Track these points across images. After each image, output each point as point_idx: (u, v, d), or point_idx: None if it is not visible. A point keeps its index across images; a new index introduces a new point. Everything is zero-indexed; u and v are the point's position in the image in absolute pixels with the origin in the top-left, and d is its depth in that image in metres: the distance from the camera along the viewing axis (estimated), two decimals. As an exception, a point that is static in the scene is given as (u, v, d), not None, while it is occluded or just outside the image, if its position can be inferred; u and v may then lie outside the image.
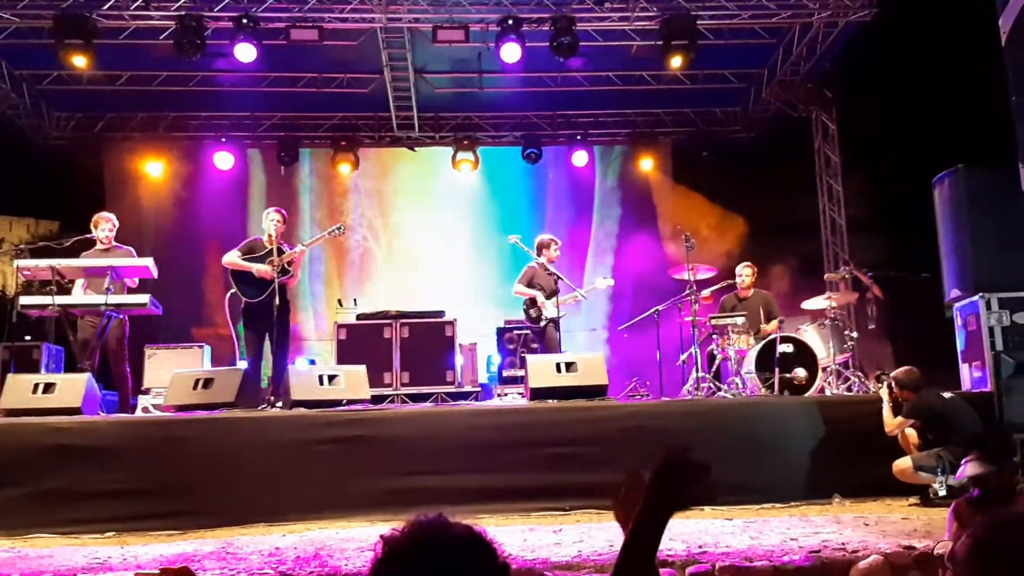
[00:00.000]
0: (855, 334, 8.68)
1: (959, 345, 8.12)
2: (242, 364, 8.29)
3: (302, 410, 6.58)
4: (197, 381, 6.91)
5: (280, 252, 7.76)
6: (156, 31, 10.32)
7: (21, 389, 6.55)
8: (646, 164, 13.36)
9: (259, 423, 6.37)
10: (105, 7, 9.83)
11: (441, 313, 10.36)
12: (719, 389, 8.28)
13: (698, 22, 10.19)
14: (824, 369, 8.21)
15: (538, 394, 6.96)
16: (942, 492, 5.74)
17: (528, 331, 9.45)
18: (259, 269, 7.76)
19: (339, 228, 8.38)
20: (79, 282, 7.80)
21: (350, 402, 6.78)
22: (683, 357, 8.97)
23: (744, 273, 9.39)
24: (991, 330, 7.48)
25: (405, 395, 9.58)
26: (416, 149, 13.65)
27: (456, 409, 7.52)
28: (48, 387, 6.57)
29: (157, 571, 2.20)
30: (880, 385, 6.65)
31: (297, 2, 10.10)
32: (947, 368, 8.09)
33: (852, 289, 9.58)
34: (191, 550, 4.98)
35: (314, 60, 11.56)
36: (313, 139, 13.50)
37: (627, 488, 2.00)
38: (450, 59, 11.66)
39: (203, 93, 12.30)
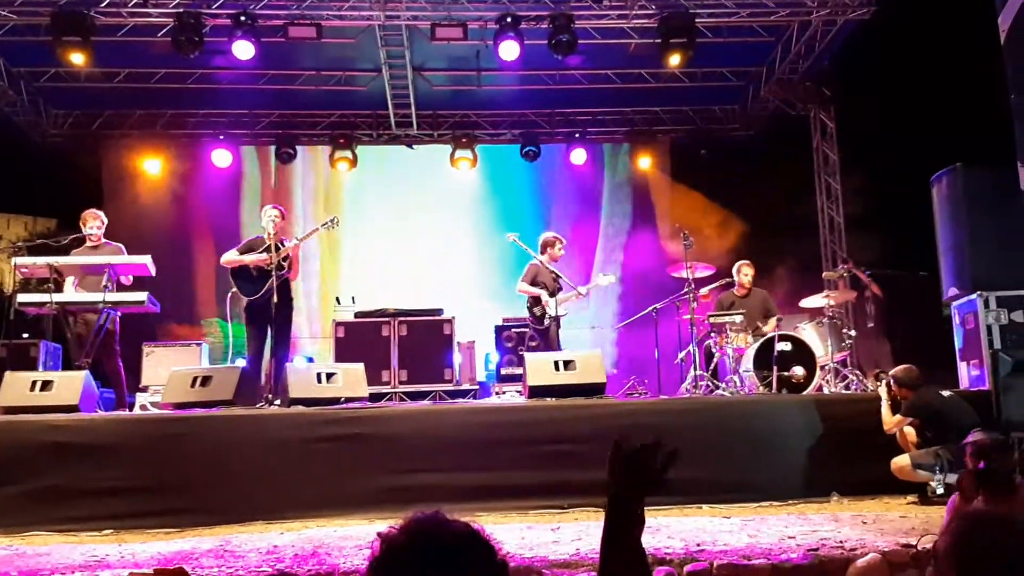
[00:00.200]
0: (853, 332, 8.68)
1: (957, 343, 8.12)
2: (240, 362, 8.28)
3: (300, 408, 6.57)
4: (195, 379, 6.90)
5: (279, 248, 7.76)
6: (154, 28, 10.30)
7: (19, 386, 6.54)
8: (644, 162, 13.36)
9: (257, 421, 6.37)
10: (103, 4, 9.82)
11: (439, 311, 10.35)
12: (717, 387, 8.28)
13: (697, 20, 10.20)
14: (822, 367, 8.21)
15: (536, 392, 6.95)
16: (940, 490, 5.74)
17: (529, 329, 9.43)
18: (254, 259, 7.77)
19: (333, 220, 8.35)
20: (69, 279, 7.78)
21: (348, 400, 6.77)
22: (681, 355, 8.97)
23: (743, 272, 9.39)
24: (989, 328, 7.49)
25: (403, 393, 9.56)
26: (414, 147, 13.64)
27: (454, 407, 7.51)
28: (46, 384, 6.56)
29: (151, 571, 2.19)
30: (879, 383, 6.66)
31: (295, -1, 10.10)
32: (945, 367, 8.10)
33: (851, 287, 9.58)
34: (189, 548, 4.98)
35: (312, 58, 11.55)
36: (311, 137, 13.50)
37: (612, 452, 1.99)
38: (448, 57, 11.65)
39: (201, 90, 12.28)
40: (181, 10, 9.83)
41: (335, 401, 6.72)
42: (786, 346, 8.04)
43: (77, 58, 9.90)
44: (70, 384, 6.59)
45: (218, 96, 12.56)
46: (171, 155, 12.91)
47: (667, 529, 5.12)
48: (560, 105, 13.24)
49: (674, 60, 10.36)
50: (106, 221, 8.22)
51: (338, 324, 9.90)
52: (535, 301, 8.73)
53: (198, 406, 6.61)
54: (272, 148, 13.18)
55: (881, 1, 10.22)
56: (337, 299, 11.48)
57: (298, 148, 13.23)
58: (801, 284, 9.78)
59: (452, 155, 13.06)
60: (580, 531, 5.13)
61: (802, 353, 8.09)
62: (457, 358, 10.15)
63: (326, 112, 13.24)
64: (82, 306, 7.56)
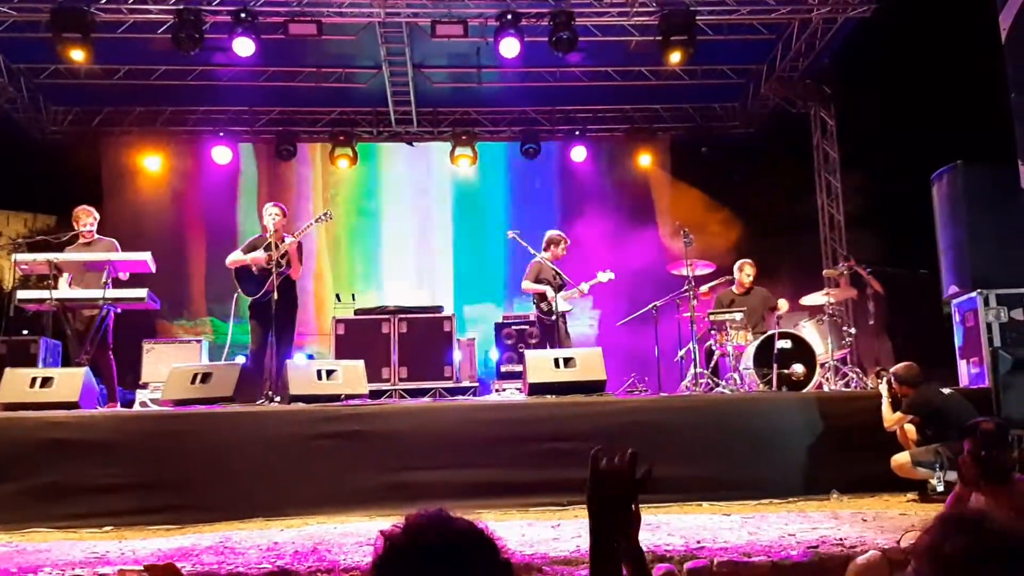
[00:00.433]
0: (853, 330, 8.69)
1: (957, 341, 8.12)
2: (240, 359, 8.28)
3: (300, 405, 6.57)
4: (195, 375, 6.90)
5: (278, 246, 7.76)
6: (154, 25, 10.29)
7: (18, 383, 6.54)
8: (645, 160, 13.36)
9: (257, 418, 6.37)
10: (103, 1, 9.80)
11: (439, 308, 10.36)
12: (717, 385, 8.28)
13: (697, 17, 10.19)
14: (822, 365, 8.21)
15: (536, 389, 6.95)
16: (940, 488, 5.74)
17: (531, 327, 9.44)
18: (253, 258, 7.78)
19: (327, 214, 8.36)
20: (63, 277, 7.77)
21: (348, 397, 6.77)
22: (681, 353, 8.97)
23: (744, 271, 9.39)
24: (989, 326, 7.49)
25: (403, 390, 9.57)
26: (414, 144, 13.64)
27: (454, 404, 7.51)
28: (46, 381, 6.56)
29: (141, 568, 2.19)
30: (879, 381, 6.65)
31: (295, -4, 10.10)
32: (945, 364, 8.10)
33: (852, 285, 9.57)
34: (189, 544, 4.98)
35: (312, 54, 11.55)
36: (311, 134, 13.50)
37: (590, 476, 2.02)
38: (449, 54, 11.64)
39: (201, 87, 12.27)
40: (181, 6, 9.81)
41: (335, 398, 6.71)
42: (786, 344, 8.04)
43: (77, 55, 9.89)
44: (70, 381, 6.59)
45: (218, 93, 12.55)
46: (171, 152, 12.91)
47: (667, 526, 5.12)
48: (560, 102, 13.23)
49: (674, 57, 10.36)
50: (98, 217, 8.22)
51: (338, 321, 9.91)
52: (541, 297, 8.74)
53: (198, 403, 6.60)
54: (272, 145, 13.16)
55: (882, -1, 10.21)
56: (337, 296, 11.49)
57: (298, 145, 13.22)
58: (801, 282, 9.78)
59: (452, 152, 13.05)
60: (580, 528, 5.13)
61: (802, 351, 8.09)
62: (457, 355, 10.15)
63: (326, 109, 13.24)
64: (82, 303, 7.56)
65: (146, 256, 7.66)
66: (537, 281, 8.79)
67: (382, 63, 11.51)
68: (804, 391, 7.77)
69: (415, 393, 9.35)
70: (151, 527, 5.65)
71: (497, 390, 9.82)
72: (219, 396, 6.67)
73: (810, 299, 9.03)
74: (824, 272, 10.45)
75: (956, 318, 8.16)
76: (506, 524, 5.37)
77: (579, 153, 13.16)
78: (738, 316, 8.59)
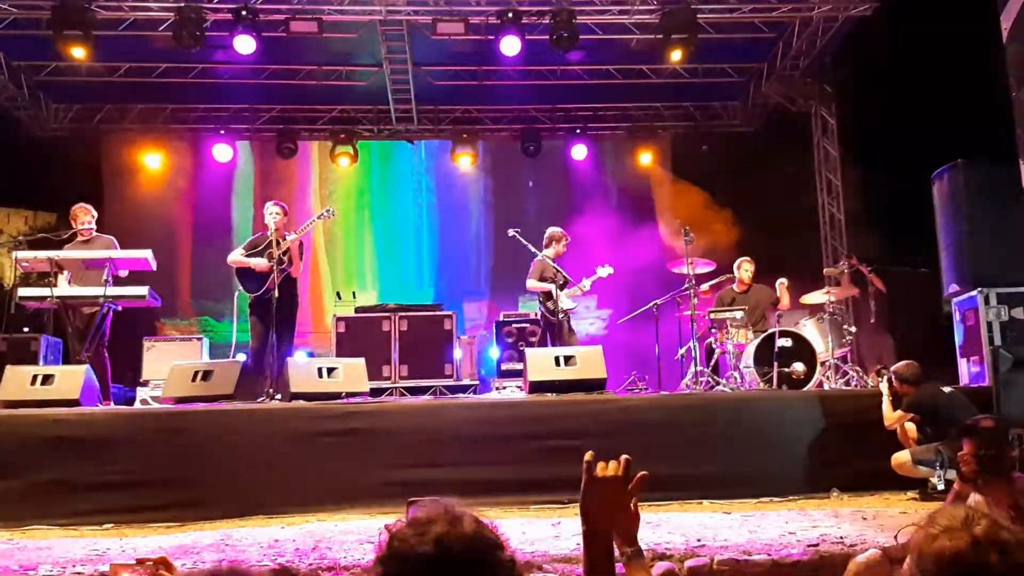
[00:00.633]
0: (854, 328, 8.69)
1: (957, 340, 8.13)
2: (240, 357, 8.28)
3: (301, 403, 6.57)
4: (196, 373, 6.90)
5: (279, 245, 7.76)
6: (155, 22, 10.30)
7: (19, 381, 6.53)
8: (645, 158, 13.36)
9: (258, 415, 6.36)
10: (104, -2, 9.82)
11: (440, 306, 10.37)
12: (718, 383, 8.28)
13: (698, 16, 10.19)
14: (822, 363, 8.21)
15: (537, 387, 6.95)
16: (941, 486, 5.73)
17: (531, 326, 9.43)
18: (256, 264, 7.78)
19: (328, 211, 8.33)
20: (62, 275, 7.76)
21: (349, 395, 6.77)
22: (682, 351, 8.97)
23: (743, 268, 9.39)
24: (989, 325, 7.49)
25: (403, 388, 9.58)
26: (415, 142, 13.64)
27: (455, 402, 7.51)
28: (46, 379, 6.56)
29: (132, 561, 2.18)
30: (880, 379, 6.65)
31: (296, -6, 10.10)
32: (946, 363, 8.10)
33: (853, 283, 9.56)
34: (190, 542, 4.98)
35: (313, 52, 11.54)
36: (312, 131, 13.50)
37: (584, 483, 2.02)
38: (449, 52, 11.64)
39: (202, 85, 12.28)
40: (182, 4, 9.82)
41: (336, 396, 6.72)
42: (786, 342, 8.03)
43: (78, 52, 9.90)
44: (71, 378, 6.59)
45: (219, 91, 12.56)
46: (172, 150, 12.93)
47: (667, 524, 5.12)
48: (561, 100, 13.24)
49: (675, 56, 10.38)
50: (96, 215, 8.21)
51: (339, 319, 9.91)
52: (547, 296, 8.73)
53: (199, 400, 6.61)
54: (269, 143, 13.16)
55: (882, -3, 10.22)
56: (338, 294, 11.51)
57: (299, 143, 13.22)
58: (801, 280, 9.78)
59: (453, 150, 13.05)
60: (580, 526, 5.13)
61: (802, 349, 8.08)
62: (457, 353, 10.16)
63: (327, 107, 13.25)
64: (83, 300, 7.56)
65: (147, 254, 7.66)
66: (541, 279, 8.78)
67: (383, 61, 11.51)
68: (804, 389, 7.77)
69: (416, 391, 9.35)
70: (152, 524, 5.65)
71: (498, 388, 9.83)
72: (220, 394, 6.67)
73: (811, 297, 9.03)
74: (824, 271, 10.45)
75: (956, 316, 8.16)
76: (507, 522, 5.36)
77: (580, 151, 13.17)
78: (738, 314, 8.59)
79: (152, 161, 12.77)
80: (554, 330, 8.68)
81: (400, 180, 13.69)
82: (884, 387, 6.43)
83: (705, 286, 9.09)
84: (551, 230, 9.11)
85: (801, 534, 4.69)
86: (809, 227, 12.65)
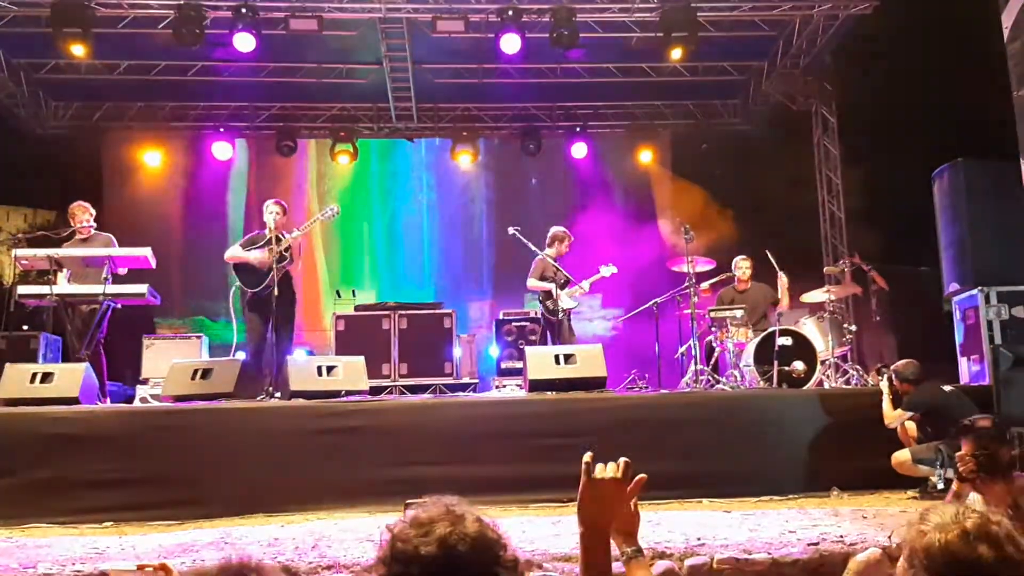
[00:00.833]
0: (854, 327, 8.69)
1: (958, 338, 8.13)
2: (240, 355, 8.27)
3: (301, 401, 6.57)
4: (196, 371, 6.89)
5: (278, 240, 7.74)
6: (155, 20, 10.29)
7: (19, 378, 6.53)
8: (645, 156, 13.35)
9: (258, 414, 6.36)
10: (103, -5, 9.81)
11: (439, 304, 10.37)
12: (718, 382, 8.28)
13: (698, 14, 10.18)
14: (823, 362, 8.21)
15: (537, 386, 6.94)
16: (941, 485, 5.73)
17: (531, 324, 9.43)
18: (256, 257, 7.75)
19: (332, 210, 8.29)
20: (62, 273, 7.75)
21: (349, 393, 6.76)
22: (682, 350, 8.97)
23: (742, 266, 9.38)
24: (990, 324, 7.50)
25: (403, 386, 9.58)
26: (415, 140, 13.63)
27: (455, 400, 7.51)
28: (46, 376, 6.55)
29: (133, 567, 2.18)
30: (880, 378, 6.65)
31: (296, -8, 10.08)
32: (946, 361, 8.10)
33: (855, 281, 9.55)
34: (190, 540, 4.98)
35: (313, 50, 11.53)
36: (312, 129, 13.49)
37: (583, 484, 2.02)
38: (450, 50, 11.63)
39: (202, 83, 12.27)
40: (182, 2, 9.81)
41: (335, 394, 6.71)
42: (787, 341, 8.03)
43: (78, 50, 9.89)
44: (70, 376, 6.59)
45: (219, 88, 12.55)
46: (171, 148, 12.92)
47: (667, 523, 5.12)
48: (561, 99, 13.24)
49: (675, 54, 10.37)
50: (95, 213, 8.20)
51: (338, 317, 9.91)
52: (547, 295, 8.72)
53: (199, 398, 6.60)
54: (268, 141, 13.15)
55: (882, -4, 10.21)
56: (337, 292, 11.49)
57: (298, 141, 13.20)
58: (801, 279, 9.78)
59: (453, 148, 13.05)
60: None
61: (803, 348, 8.07)
62: (457, 352, 10.16)
63: (327, 105, 13.24)
64: (82, 298, 7.55)
65: (146, 251, 7.65)
66: (542, 279, 8.77)
67: (383, 59, 11.50)
68: (805, 388, 7.77)
69: (415, 389, 9.36)
70: (151, 523, 5.64)
71: (497, 386, 9.82)
72: (220, 392, 6.67)
73: (811, 296, 9.03)
74: (825, 269, 10.45)
75: (957, 315, 8.16)
76: (506, 520, 5.32)
77: (579, 149, 13.16)
78: (738, 313, 8.59)
79: (152, 159, 12.76)
80: (554, 329, 8.68)
81: (400, 178, 13.68)
82: (884, 386, 6.43)
83: (705, 284, 9.09)
84: (554, 229, 9.09)
85: (801, 533, 4.69)
86: (809, 225, 12.65)
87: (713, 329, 8.69)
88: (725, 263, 9.47)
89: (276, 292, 7.50)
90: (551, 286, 8.66)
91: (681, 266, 8.85)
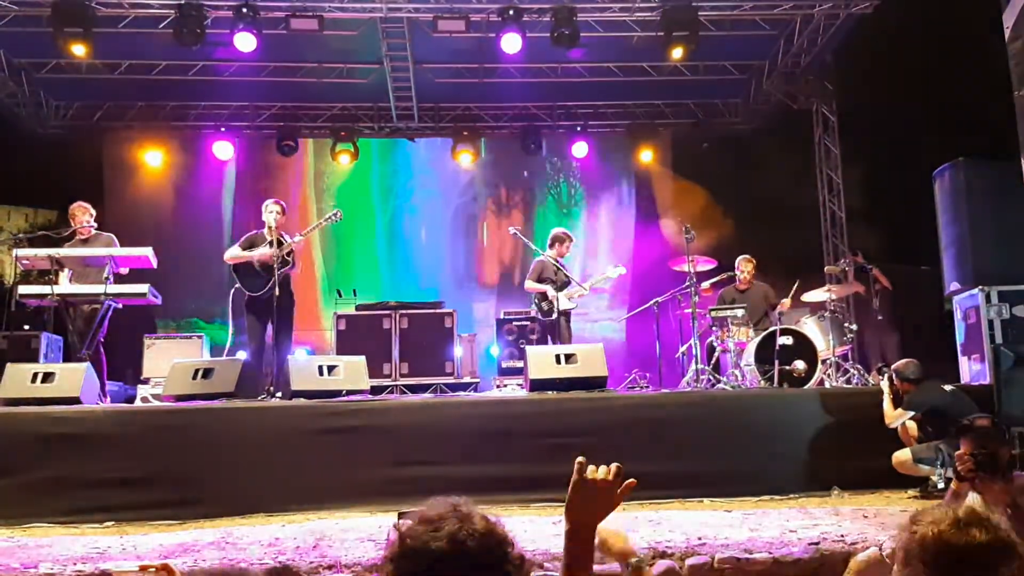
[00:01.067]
0: (855, 326, 8.69)
1: (958, 338, 8.12)
2: (241, 355, 8.28)
3: (302, 400, 6.57)
4: (197, 371, 6.90)
5: (280, 243, 7.74)
6: (156, 20, 10.28)
7: (20, 378, 6.54)
8: (646, 156, 13.34)
9: (259, 413, 6.36)
10: (104, -5, 9.80)
11: (440, 304, 10.37)
12: (718, 381, 8.28)
13: (699, 13, 10.17)
14: (823, 361, 8.20)
15: (538, 385, 6.95)
16: (941, 484, 5.73)
17: (531, 324, 9.43)
18: (259, 254, 7.74)
19: (335, 214, 8.28)
20: (63, 273, 7.75)
21: (349, 392, 6.77)
22: (682, 349, 8.97)
23: (743, 267, 9.38)
24: (991, 323, 7.49)
25: (404, 386, 9.58)
26: (416, 140, 13.63)
27: (456, 400, 7.52)
28: (47, 376, 6.56)
29: (135, 568, 2.19)
30: (881, 377, 6.65)
31: (297, -9, 10.07)
32: (947, 361, 8.10)
33: (858, 280, 9.54)
34: (191, 540, 4.98)
35: (314, 50, 11.52)
36: (313, 129, 13.49)
37: (573, 483, 2.05)
38: (450, 50, 11.62)
39: (202, 83, 12.26)
40: (183, 1, 9.80)
41: (336, 394, 6.72)
42: (787, 340, 8.03)
43: (78, 49, 9.87)
44: (71, 376, 6.59)
45: (219, 88, 12.54)
46: (172, 147, 12.90)
47: (668, 523, 5.12)
48: (562, 98, 13.22)
49: (676, 53, 10.34)
50: (95, 213, 8.20)
51: (339, 316, 9.91)
52: (542, 296, 8.72)
53: (200, 398, 6.61)
54: (273, 141, 13.14)
55: (883, -6, 10.19)
56: (338, 292, 11.49)
57: (299, 140, 13.20)
58: (802, 278, 9.78)
59: (454, 148, 13.04)
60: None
61: (803, 347, 8.08)
62: (458, 351, 10.16)
63: (327, 104, 13.23)
64: (84, 298, 7.56)
65: (147, 251, 7.66)
66: (540, 280, 8.77)
67: (383, 58, 11.49)
68: (805, 387, 7.77)
69: (416, 389, 9.36)
70: (152, 522, 5.65)
71: (498, 386, 9.83)
72: (220, 392, 6.67)
73: (812, 295, 9.03)
74: (825, 268, 10.45)
75: (958, 315, 8.16)
76: (508, 520, 5.35)
77: (580, 149, 13.16)
78: (739, 312, 8.59)
79: (152, 158, 12.75)
80: (550, 330, 8.69)
81: (401, 178, 13.68)
82: (885, 385, 6.43)
83: (706, 284, 9.09)
84: (555, 231, 9.10)
85: (802, 532, 4.70)
86: (810, 225, 12.64)
87: (714, 328, 8.69)
88: (726, 262, 9.47)
89: (276, 293, 7.50)
90: (547, 287, 8.66)
91: (682, 265, 8.85)
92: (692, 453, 6.32)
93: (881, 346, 9.93)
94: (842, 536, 4.50)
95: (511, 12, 10.02)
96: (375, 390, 7.84)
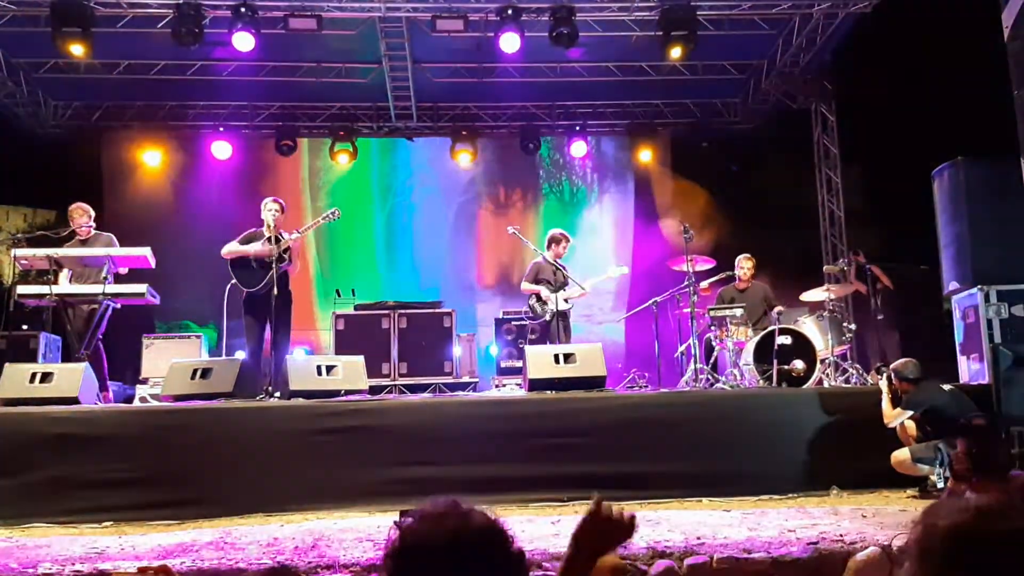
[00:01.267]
0: (853, 326, 8.69)
1: (957, 337, 8.12)
2: (240, 354, 8.28)
3: (300, 400, 6.57)
4: (195, 371, 6.90)
5: (278, 240, 7.73)
6: (154, 19, 10.27)
7: (18, 378, 6.53)
8: (645, 155, 13.35)
9: (257, 413, 6.36)
10: (103, -5, 9.79)
11: (439, 303, 10.37)
12: (717, 381, 8.28)
13: (698, 12, 10.17)
14: (822, 361, 8.21)
15: (537, 385, 6.95)
16: (940, 484, 5.74)
17: (530, 323, 9.42)
18: (257, 250, 7.72)
19: (333, 213, 8.26)
20: (63, 273, 7.75)
21: (348, 392, 6.77)
22: (681, 348, 8.97)
23: (743, 265, 9.39)
24: (989, 323, 7.48)
25: (403, 386, 9.58)
26: (414, 139, 13.62)
27: (454, 400, 7.52)
28: (45, 376, 6.55)
29: (134, 569, 2.20)
30: (879, 377, 6.65)
31: (296, -10, 10.07)
32: (945, 360, 8.09)
33: (859, 279, 9.53)
34: (189, 540, 4.98)
35: (312, 49, 11.51)
36: (311, 129, 13.48)
37: (587, 514, 2.08)
38: (449, 49, 11.61)
39: (201, 82, 12.24)
40: (181, 1, 9.79)
41: (335, 393, 6.72)
42: (786, 340, 8.03)
43: (77, 49, 9.86)
44: (70, 376, 6.59)
45: (218, 88, 12.52)
46: (171, 147, 12.90)
47: (667, 522, 5.12)
48: (561, 98, 13.22)
49: (675, 53, 10.34)
50: (94, 214, 8.20)
51: (338, 316, 9.91)
52: (536, 297, 8.72)
53: (198, 398, 6.61)
54: (272, 140, 13.14)
55: (882, -7, 10.19)
56: (337, 292, 11.48)
57: (298, 140, 13.20)
58: (802, 277, 9.78)
59: (452, 147, 13.04)
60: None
61: (802, 347, 8.08)
62: (456, 351, 10.16)
63: (326, 104, 13.22)
64: (82, 298, 7.55)
65: (146, 251, 7.65)
66: (536, 281, 8.76)
67: (382, 58, 11.49)
68: (804, 387, 7.77)
69: (415, 388, 9.36)
70: (151, 522, 5.65)
71: (497, 386, 9.82)
72: (219, 392, 6.67)
73: (810, 295, 9.02)
74: (824, 268, 10.45)
75: (957, 314, 8.15)
76: (506, 519, 5.36)
77: (579, 148, 13.16)
78: (738, 312, 8.59)
79: (151, 158, 12.74)
80: (544, 331, 8.69)
81: (399, 177, 13.67)
82: (884, 385, 6.43)
83: (705, 283, 9.09)
84: (552, 231, 9.09)
85: (801, 532, 4.69)
86: (809, 224, 12.65)
87: (713, 328, 8.69)
88: (725, 262, 9.47)
89: (275, 291, 7.49)
90: (541, 288, 8.64)
91: (681, 265, 8.85)
92: (691, 453, 6.32)
93: (880, 346, 9.92)
94: (841, 536, 4.50)
95: (510, 11, 10.01)
96: (374, 390, 7.83)
